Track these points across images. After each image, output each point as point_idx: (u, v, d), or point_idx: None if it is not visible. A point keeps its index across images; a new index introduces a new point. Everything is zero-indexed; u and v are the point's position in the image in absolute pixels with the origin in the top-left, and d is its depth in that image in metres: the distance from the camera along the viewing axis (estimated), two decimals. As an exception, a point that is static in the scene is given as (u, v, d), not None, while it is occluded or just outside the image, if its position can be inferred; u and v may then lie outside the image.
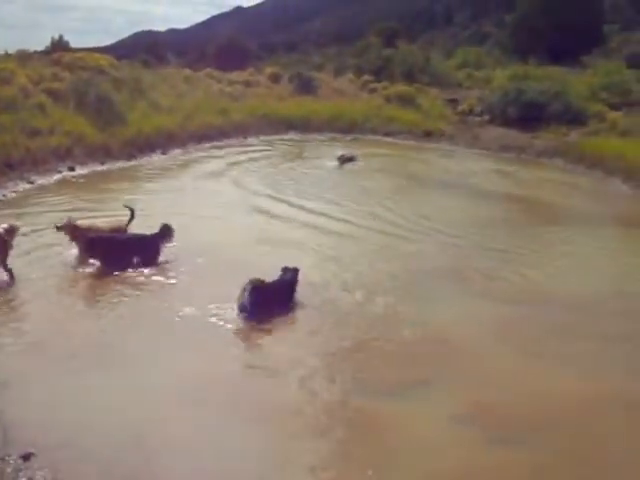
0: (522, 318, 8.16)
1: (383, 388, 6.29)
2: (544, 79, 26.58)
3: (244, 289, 7.49)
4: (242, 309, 7.53)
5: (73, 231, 9.01)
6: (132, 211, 9.56)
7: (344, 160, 18.61)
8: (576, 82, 27.26)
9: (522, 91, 25.85)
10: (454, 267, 9.88)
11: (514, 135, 24.30)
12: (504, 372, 6.75)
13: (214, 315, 7.56)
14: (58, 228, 9.05)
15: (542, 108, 25.02)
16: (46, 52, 24.75)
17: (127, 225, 9.49)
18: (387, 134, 25.26)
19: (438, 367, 6.76)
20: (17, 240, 8.66)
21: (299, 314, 7.87)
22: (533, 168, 20.74)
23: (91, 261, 8.88)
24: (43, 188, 13.52)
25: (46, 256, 9.15)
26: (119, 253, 8.82)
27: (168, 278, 8.72)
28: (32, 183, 13.64)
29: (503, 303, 8.56)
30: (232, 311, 7.55)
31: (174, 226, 9.37)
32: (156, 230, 9.28)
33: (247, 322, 7.42)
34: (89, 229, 9.10)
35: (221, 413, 5.76)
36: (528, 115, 24.80)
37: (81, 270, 8.82)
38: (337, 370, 6.54)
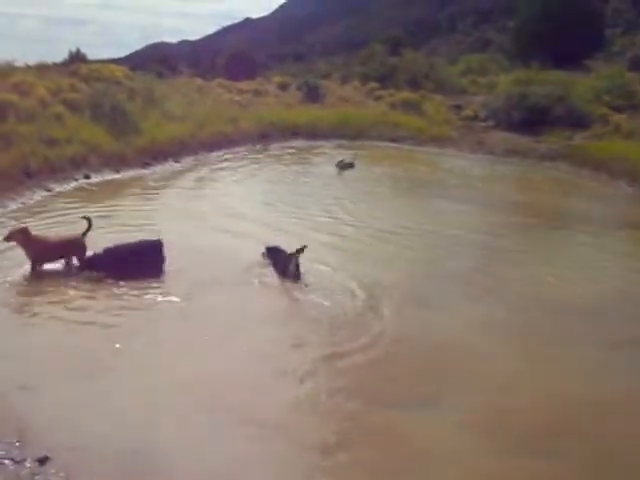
0: (532, 323, 8.18)
1: (395, 396, 6.26)
2: (547, 83, 26.78)
3: (289, 261, 8.59)
4: (295, 276, 8.46)
5: (24, 239, 8.82)
6: (89, 221, 9.26)
7: (343, 166, 18.65)
8: (579, 86, 27.42)
9: (525, 95, 26.09)
10: (461, 272, 9.92)
11: (518, 139, 24.53)
12: (517, 379, 6.74)
13: (230, 316, 7.77)
14: (7, 238, 8.86)
15: (546, 112, 25.24)
16: (64, 64, 25.17)
17: (83, 236, 9.18)
18: (393, 140, 25.54)
19: (449, 374, 6.75)
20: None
21: (305, 320, 7.91)
22: (538, 172, 20.88)
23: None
24: (60, 195, 13.89)
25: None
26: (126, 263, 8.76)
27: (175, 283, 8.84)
28: (50, 191, 13.99)
29: (512, 308, 8.58)
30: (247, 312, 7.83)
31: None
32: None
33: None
34: (39, 239, 9.00)
35: (236, 418, 5.78)
36: (532, 119, 25.03)
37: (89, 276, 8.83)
38: (347, 379, 6.55)
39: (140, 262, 8.71)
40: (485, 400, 6.30)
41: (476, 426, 5.86)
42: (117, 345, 6.96)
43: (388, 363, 6.98)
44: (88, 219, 9.30)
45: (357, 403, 6.13)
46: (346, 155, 19.97)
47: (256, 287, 8.94)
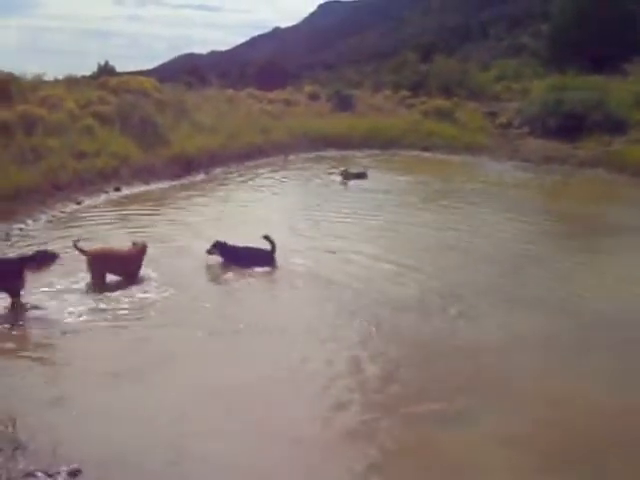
0: (569, 334, 7.89)
1: (432, 409, 6.02)
2: (583, 88, 26.27)
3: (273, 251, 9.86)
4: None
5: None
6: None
7: (348, 176, 18.12)
8: (617, 90, 26.77)
9: (561, 101, 25.59)
10: (494, 282, 9.65)
11: (555, 146, 24.05)
12: (554, 392, 6.47)
13: (259, 323, 7.65)
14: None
15: (582, 118, 24.65)
16: (93, 77, 25.43)
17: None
18: (426, 149, 25.24)
19: (485, 387, 6.52)
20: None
21: (338, 332, 7.71)
22: (575, 179, 20.44)
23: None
24: (90, 208, 13.83)
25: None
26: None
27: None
28: (79, 204, 13.97)
29: (548, 319, 8.31)
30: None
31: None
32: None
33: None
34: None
35: (266, 429, 5.63)
36: (568, 125, 24.47)
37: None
38: (381, 393, 6.36)
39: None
40: (525, 414, 6.04)
41: (517, 440, 5.61)
42: (152, 353, 6.94)
43: (422, 376, 6.75)
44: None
45: (392, 421, 5.89)
46: (353, 165, 19.78)
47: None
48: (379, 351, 7.22)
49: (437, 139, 25.94)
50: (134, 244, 9.44)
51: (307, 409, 6.02)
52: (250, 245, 10.11)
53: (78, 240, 9.12)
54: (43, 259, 8.39)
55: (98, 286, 8.73)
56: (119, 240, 9.97)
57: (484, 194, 17.24)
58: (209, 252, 10.07)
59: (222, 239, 10.12)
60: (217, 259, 10.08)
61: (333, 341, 7.42)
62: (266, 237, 10.07)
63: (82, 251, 8.94)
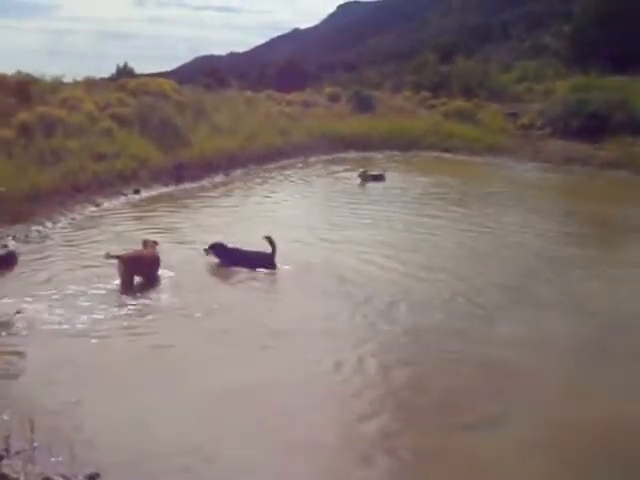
0: (596, 336, 7.76)
1: (457, 416, 5.91)
2: (607, 89, 25.94)
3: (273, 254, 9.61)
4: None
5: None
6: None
7: (367, 178, 18.05)
8: (640, 91, 26.51)
9: (584, 102, 25.32)
10: (518, 284, 9.54)
11: (577, 147, 23.80)
12: (583, 395, 6.38)
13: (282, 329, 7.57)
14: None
15: (605, 119, 24.42)
16: (112, 79, 25.49)
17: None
18: (447, 150, 25.07)
19: (513, 391, 6.41)
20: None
21: (362, 335, 7.63)
22: (597, 180, 20.26)
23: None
24: (109, 210, 13.81)
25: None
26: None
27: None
28: (98, 206, 13.94)
29: (574, 321, 8.21)
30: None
31: None
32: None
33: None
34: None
35: (286, 434, 5.54)
36: (591, 126, 24.19)
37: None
38: (407, 397, 6.29)
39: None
40: (550, 417, 5.95)
41: (545, 446, 5.52)
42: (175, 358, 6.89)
43: (447, 382, 6.61)
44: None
45: (417, 428, 5.79)
46: (371, 167, 19.68)
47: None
48: (403, 355, 7.13)
49: (458, 140, 25.77)
50: (145, 242, 9.44)
51: (332, 414, 5.95)
52: (247, 248, 10.03)
53: (109, 254, 9.01)
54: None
55: (127, 289, 8.71)
56: (136, 242, 9.87)
57: (506, 195, 17.09)
58: (205, 253, 10.03)
59: (221, 241, 10.11)
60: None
61: (357, 345, 7.31)
62: (267, 238, 9.93)
63: (117, 257, 8.89)
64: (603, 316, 8.37)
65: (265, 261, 9.85)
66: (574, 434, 5.70)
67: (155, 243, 9.53)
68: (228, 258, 9.94)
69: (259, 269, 9.77)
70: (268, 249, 9.88)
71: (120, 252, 9.07)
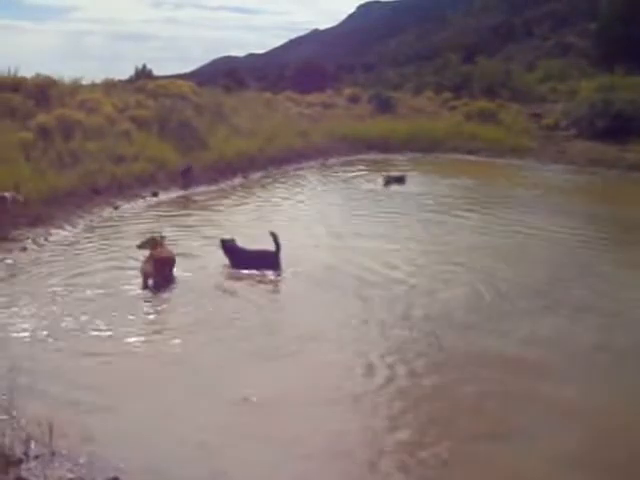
0: (622, 342, 7.54)
1: (481, 428, 5.74)
2: (633, 89, 25.50)
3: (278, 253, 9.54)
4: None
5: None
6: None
7: (389, 180, 17.93)
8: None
9: (610, 102, 24.91)
10: (544, 287, 9.35)
11: (602, 149, 23.39)
12: (612, 405, 6.18)
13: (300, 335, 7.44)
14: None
15: (632, 119, 23.99)
16: (130, 81, 25.46)
17: None
18: (469, 152, 24.72)
19: (540, 402, 6.20)
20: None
21: (384, 339, 7.51)
22: (623, 182, 19.97)
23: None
24: (128, 213, 13.73)
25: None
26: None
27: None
28: (117, 208, 13.88)
29: (599, 326, 8.01)
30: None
31: None
32: None
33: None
34: None
35: (309, 442, 5.42)
36: (617, 127, 23.83)
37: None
38: (431, 407, 6.15)
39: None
40: (583, 430, 5.75)
41: (574, 459, 5.33)
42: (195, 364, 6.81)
43: (471, 391, 6.44)
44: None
45: (439, 439, 5.62)
46: (392, 169, 19.55)
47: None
48: (427, 362, 6.98)
49: (481, 142, 25.40)
50: (154, 240, 9.33)
51: (357, 422, 5.83)
52: (251, 247, 9.90)
53: (145, 241, 9.24)
54: None
55: (159, 290, 8.72)
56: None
57: (530, 198, 16.84)
58: (221, 244, 9.90)
59: (234, 238, 10.00)
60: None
61: (385, 351, 7.16)
62: (272, 234, 9.72)
63: (152, 248, 9.03)
64: (630, 321, 8.22)
65: (269, 260, 9.64)
66: (604, 447, 5.53)
67: (162, 238, 9.46)
68: (236, 258, 9.77)
69: (265, 270, 9.56)
70: (272, 247, 9.71)
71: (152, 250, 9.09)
